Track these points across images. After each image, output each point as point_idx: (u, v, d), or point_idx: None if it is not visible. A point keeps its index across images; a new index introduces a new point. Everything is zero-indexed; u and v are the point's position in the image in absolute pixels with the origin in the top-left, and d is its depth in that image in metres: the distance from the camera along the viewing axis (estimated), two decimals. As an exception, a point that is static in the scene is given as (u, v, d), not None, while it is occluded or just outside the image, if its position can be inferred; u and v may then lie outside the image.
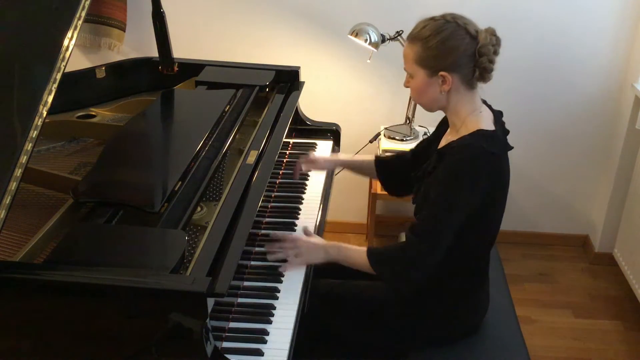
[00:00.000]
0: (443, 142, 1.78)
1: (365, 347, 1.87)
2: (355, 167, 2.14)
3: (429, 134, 2.76)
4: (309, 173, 2.20)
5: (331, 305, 1.83)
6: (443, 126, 1.86)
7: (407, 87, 1.75)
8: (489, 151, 1.61)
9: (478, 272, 1.82)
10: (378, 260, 1.71)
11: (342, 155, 2.25)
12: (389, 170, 2.04)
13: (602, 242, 3.06)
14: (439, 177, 1.64)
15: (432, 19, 1.65)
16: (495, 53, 1.63)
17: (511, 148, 1.73)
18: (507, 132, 1.75)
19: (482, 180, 1.61)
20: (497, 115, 1.75)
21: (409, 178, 1.88)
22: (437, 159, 1.69)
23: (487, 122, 1.68)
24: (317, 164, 2.12)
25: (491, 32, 1.63)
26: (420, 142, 2.00)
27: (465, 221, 1.64)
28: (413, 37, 1.66)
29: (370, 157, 2.08)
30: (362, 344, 1.86)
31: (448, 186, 1.62)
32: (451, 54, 1.60)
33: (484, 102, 1.77)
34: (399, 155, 2.04)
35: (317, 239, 1.80)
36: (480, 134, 1.63)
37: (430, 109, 1.74)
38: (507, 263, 2.91)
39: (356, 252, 1.75)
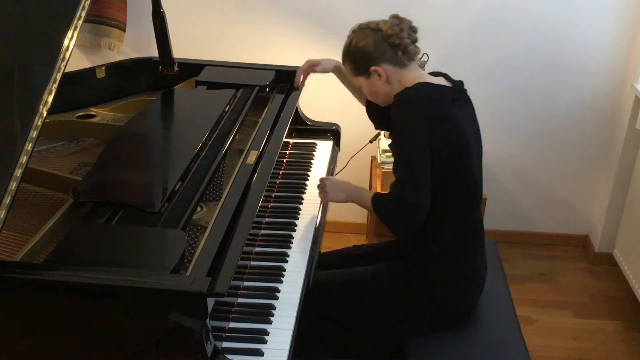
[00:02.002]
0: None
1: (364, 344, 1.88)
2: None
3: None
4: (309, 173, 2.20)
5: (330, 293, 1.88)
6: None
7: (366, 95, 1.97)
8: (423, 94, 1.77)
9: (467, 239, 1.86)
10: (378, 204, 1.84)
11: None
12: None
13: (602, 242, 3.06)
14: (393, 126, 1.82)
15: (348, 37, 1.92)
16: (402, 30, 1.82)
17: (455, 99, 1.82)
18: (462, 93, 1.87)
19: (422, 117, 1.74)
20: (456, 83, 1.89)
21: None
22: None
23: (424, 78, 1.84)
24: (320, 66, 2.24)
25: (392, 17, 1.86)
26: None
27: (434, 176, 1.75)
28: (341, 60, 1.96)
29: None
30: (361, 343, 1.86)
31: (397, 129, 1.80)
32: (366, 51, 1.85)
33: (445, 76, 1.91)
34: None
35: (343, 183, 1.97)
36: (418, 83, 1.81)
37: (387, 103, 1.90)
38: (507, 263, 2.91)
39: (367, 195, 1.88)
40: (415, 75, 1.85)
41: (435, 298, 1.85)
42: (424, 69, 2.65)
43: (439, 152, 1.74)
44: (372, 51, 1.84)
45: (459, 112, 1.81)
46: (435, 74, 1.92)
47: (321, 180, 2.00)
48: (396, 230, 1.87)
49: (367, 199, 1.86)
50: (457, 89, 1.88)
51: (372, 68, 1.85)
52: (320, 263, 1.98)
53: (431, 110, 1.76)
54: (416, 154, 1.74)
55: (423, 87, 1.80)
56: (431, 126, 1.74)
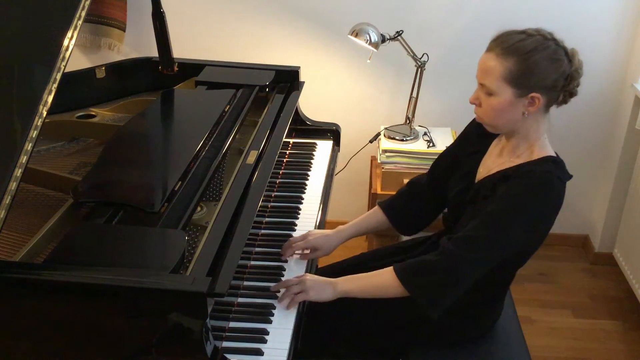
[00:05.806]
0: (493, 163, 1.67)
1: (365, 347, 1.87)
2: (362, 229, 1.94)
3: (429, 134, 2.77)
4: (309, 173, 2.20)
5: (333, 308, 1.77)
6: (469, 143, 1.78)
7: (474, 103, 1.59)
8: (559, 178, 1.54)
9: (502, 286, 1.77)
10: (410, 274, 1.56)
11: (342, 227, 1.94)
12: (401, 210, 1.88)
13: (602, 242, 3.06)
14: (503, 195, 1.53)
15: (525, 32, 1.52)
16: (580, 77, 1.54)
17: (571, 176, 1.64)
18: None
19: (549, 208, 1.54)
20: None
21: (425, 210, 1.85)
22: (499, 179, 1.59)
23: (551, 148, 1.63)
24: (321, 250, 1.84)
25: (578, 55, 1.54)
26: (436, 164, 1.87)
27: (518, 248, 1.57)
28: (507, 50, 1.49)
29: (374, 209, 1.91)
30: (362, 345, 1.86)
31: (513, 204, 1.52)
32: (552, 74, 1.49)
33: None
34: (409, 190, 1.90)
35: (323, 278, 1.66)
36: (550, 160, 1.57)
37: (498, 130, 1.62)
38: (507, 263, 2.91)
39: (375, 275, 1.62)
40: (542, 130, 1.60)
41: (448, 330, 1.75)
42: (424, 69, 2.66)
43: (530, 241, 1.59)
44: (555, 79, 1.50)
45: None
46: None
47: (296, 278, 1.65)
48: (434, 303, 1.55)
49: (378, 275, 1.59)
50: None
51: (535, 94, 1.50)
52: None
53: (556, 209, 1.56)
54: (510, 235, 1.52)
55: (554, 168, 1.55)
56: (550, 214, 1.56)
